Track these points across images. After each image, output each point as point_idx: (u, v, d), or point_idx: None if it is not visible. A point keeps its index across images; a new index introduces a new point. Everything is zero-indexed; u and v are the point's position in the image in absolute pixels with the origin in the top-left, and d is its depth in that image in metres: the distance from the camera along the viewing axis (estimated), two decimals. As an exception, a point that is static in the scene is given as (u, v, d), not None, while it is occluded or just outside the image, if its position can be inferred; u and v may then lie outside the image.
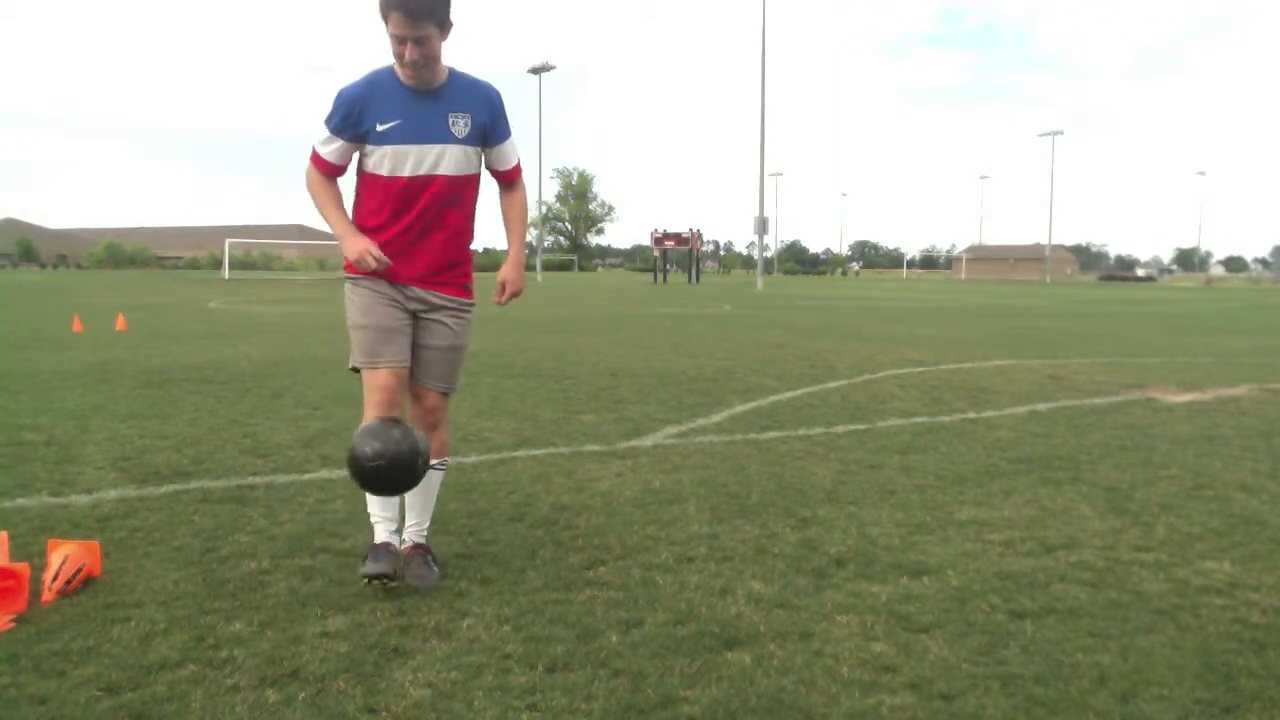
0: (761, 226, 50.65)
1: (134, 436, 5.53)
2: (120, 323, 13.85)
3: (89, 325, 13.70)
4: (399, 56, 3.05)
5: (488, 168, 3.36)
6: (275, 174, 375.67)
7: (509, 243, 3.51)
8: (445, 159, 3.16)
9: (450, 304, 3.31)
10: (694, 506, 4.17)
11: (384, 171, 3.15)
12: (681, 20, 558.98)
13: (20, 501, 4.09)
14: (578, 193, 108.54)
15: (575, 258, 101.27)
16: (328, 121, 3.15)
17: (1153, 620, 2.93)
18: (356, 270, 3.19)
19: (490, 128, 3.24)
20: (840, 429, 6.08)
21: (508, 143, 3.33)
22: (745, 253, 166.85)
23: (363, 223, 3.25)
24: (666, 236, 55.42)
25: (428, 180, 3.16)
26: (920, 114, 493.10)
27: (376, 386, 3.19)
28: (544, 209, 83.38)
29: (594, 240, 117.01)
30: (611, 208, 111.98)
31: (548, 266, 78.01)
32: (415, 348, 3.30)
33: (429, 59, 3.06)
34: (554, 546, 3.60)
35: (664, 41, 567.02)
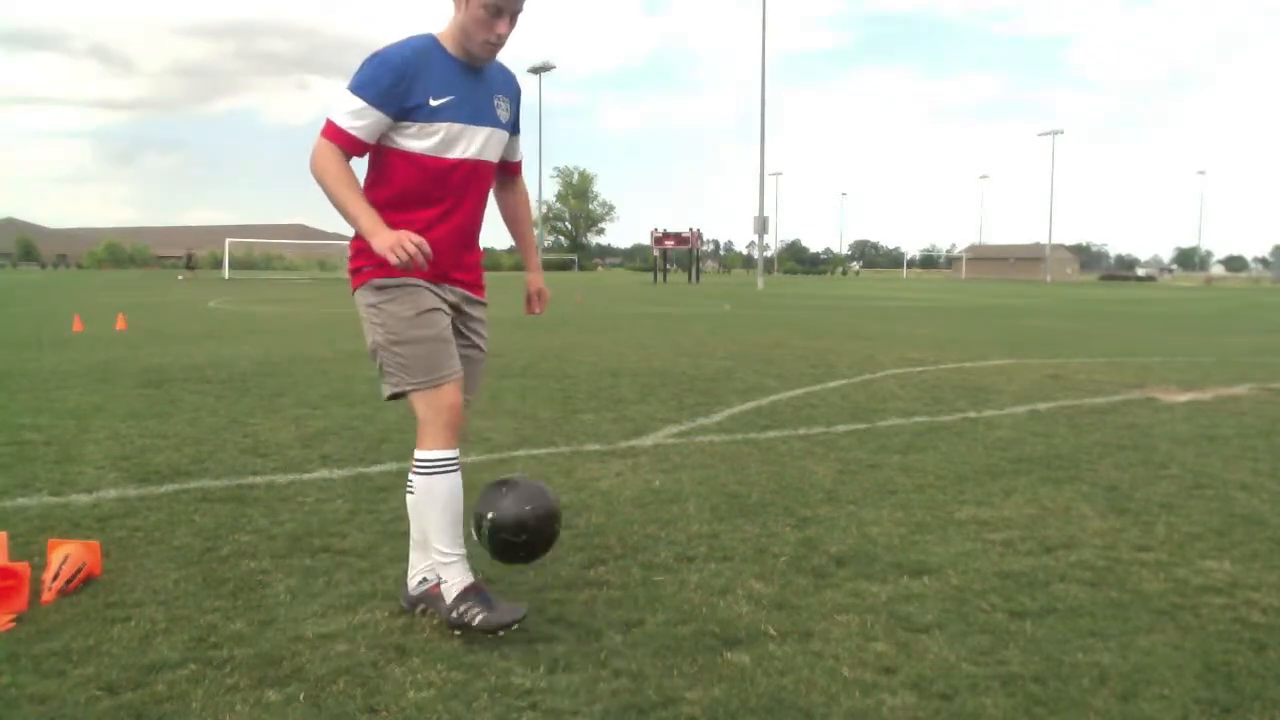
0: (761, 226, 50.71)
1: (134, 436, 5.53)
2: (120, 322, 13.85)
3: (89, 325, 13.70)
4: (486, 28, 2.68)
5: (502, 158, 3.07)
6: (276, 174, 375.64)
7: (525, 247, 3.32)
8: (490, 143, 2.87)
9: (480, 303, 3.06)
10: (694, 506, 4.17)
11: (429, 150, 2.75)
12: (682, 20, 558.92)
13: (20, 501, 4.09)
14: (578, 192, 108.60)
15: (575, 257, 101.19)
16: (361, 90, 2.64)
17: (1153, 620, 2.93)
18: (388, 270, 2.71)
19: (516, 117, 3.05)
20: (840, 428, 6.08)
21: (519, 135, 3.13)
22: (745, 252, 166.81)
23: (382, 208, 2.73)
24: (666, 236, 55.34)
25: (468, 164, 2.82)
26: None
27: (448, 406, 2.77)
28: (544, 208, 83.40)
29: (594, 240, 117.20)
30: (612, 207, 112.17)
31: (548, 266, 77.90)
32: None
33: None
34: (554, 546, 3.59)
35: (664, 41, 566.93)
